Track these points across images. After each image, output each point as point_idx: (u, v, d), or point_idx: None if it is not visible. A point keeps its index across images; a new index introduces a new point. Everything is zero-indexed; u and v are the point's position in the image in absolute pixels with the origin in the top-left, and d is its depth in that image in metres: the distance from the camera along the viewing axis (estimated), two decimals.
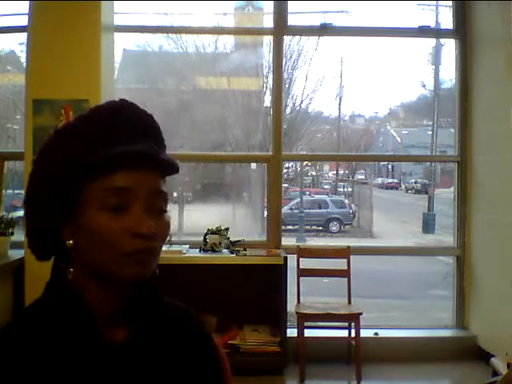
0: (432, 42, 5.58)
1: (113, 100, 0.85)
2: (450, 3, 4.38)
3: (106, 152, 0.78)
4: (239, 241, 3.97)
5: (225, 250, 3.88)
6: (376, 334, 4.07)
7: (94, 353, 0.78)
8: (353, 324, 3.70)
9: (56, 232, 0.82)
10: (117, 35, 4.10)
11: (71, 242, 0.81)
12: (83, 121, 0.83)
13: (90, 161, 0.78)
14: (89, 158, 0.78)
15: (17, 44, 4.71)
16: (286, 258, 3.68)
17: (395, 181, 12.03)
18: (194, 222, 5.45)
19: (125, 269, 0.78)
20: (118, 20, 4.13)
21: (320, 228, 9.60)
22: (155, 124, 0.87)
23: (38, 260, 0.87)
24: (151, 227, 0.78)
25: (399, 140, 10.46)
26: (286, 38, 4.52)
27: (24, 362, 0.75)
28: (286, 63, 4.68)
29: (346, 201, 10.31)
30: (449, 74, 6.09)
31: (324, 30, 4.33)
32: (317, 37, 4.88)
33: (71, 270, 0.82)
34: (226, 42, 5.09)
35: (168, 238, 0.85)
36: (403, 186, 11.93)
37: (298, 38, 4.98)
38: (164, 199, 0.83)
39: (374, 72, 6.86)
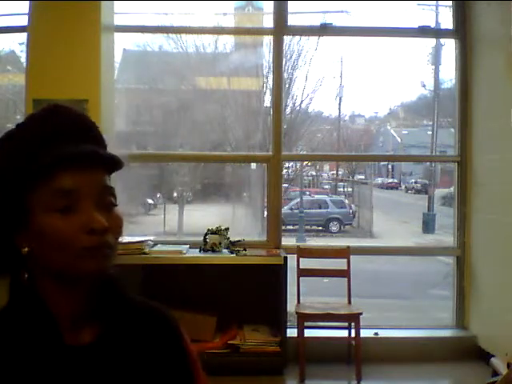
0: (432, 42, 5.58)
1: (46, 105, 0.88)
2: (450, 3, 4.38)
3: (44, 156, 0.79)
4: (239, 241, 3.97)
5: (225, 250, 3.88)
6: (376, 334, 4.07)
7: (54, 356, 0.78)
8: (353, 324, 3.70)
9: (9, 241, 0.82)
10: (117, 35, 4.10)
11: (26, 249, 0.81)
12: (19, 129, 0.85)
13: (30, 167, 0.79)
14: (28, 165, 0.79)
15: (17, 44, 4.71)
16: (286, 258, 3.68)
17: (395, 181, 12.02)
18: (193, 222, 5.46)
19: (83, 264, 0.79)
20: (118, 20, 4.13)
21: (320, 228, 9.59)
22: (91, 124, 0.89)
23: None
24: (103, 222, 0.79)
25: (399, 140, 10.45)
26: (286, 38, 4.52)
27: None
28: (286, 63, 4.68)
29: (346, 201, 10.30)
30: (449, 74, 6.09)
31: (324, 29, 4.33)
32: (317, 37, 4.88)
33: (26, 276, 0.83)
34: (226, 42, 5.09)
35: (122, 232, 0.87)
36: (403, 186, 11.92)
37: (298, 38, 4.98)
38: (112, 194, 0.84)
39: (374, 72, 6.86)
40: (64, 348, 0.79)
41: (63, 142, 0.82)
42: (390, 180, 12.00)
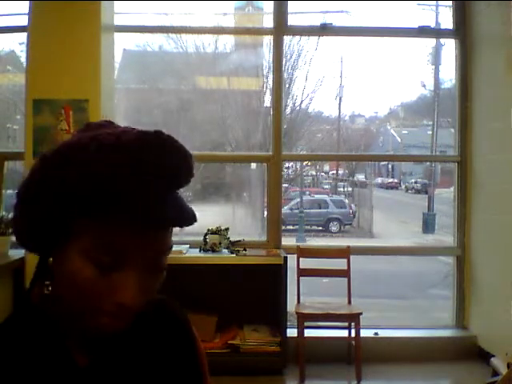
0: (432, 42, 5.57)
1: (147, 133, 0.69)
2: (450, 3, 4.39)
3: (112, 199, 0.65)
4: (239, 241, 3.97)
5: (225, 250, 3.88)
6: (376, 334, 4.07)
7: (67, 379, 0.73)
8: (353, 324, 3.70)
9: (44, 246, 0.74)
10: (117, 35, 4.11)
11: (51, 259, 0.73)
12: (95, 151, 0.67)
13: (89, 202, 0.66)
14: (89, 198, 0.66)
15: (17, 44, 4.71)
16: (286, 258, 3.68)
17: (395, 181, 12.02)
18: None
19: (95, 321, 0.70)
20: (118, 20, 4.14)
21: (320, 228, 9.60)
22: (188, 165, 0.75)
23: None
24: (135, 300, 0.69)
25: (399, 140, 10.45)
26: (286, 38, 4.52)
27: None
28: (285, 63, 4.68)
29: (346, 201, 10.30)
30: (449, 74, 6.09)
31: (324, 29, 4.34)
32: (317, 37, 4.88)
33: (49, 288, 0.74)
34: (226, 42, 5.09)
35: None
36: (403, 186, 11.92)
37: (298, 37, 4.98)
38: (167, 255, 0.73)
39: (373, 72, 6.85)
40: (76, 370, 0.74)
41: (141, 186, 0.66)
42: (390, 180, 12.00)
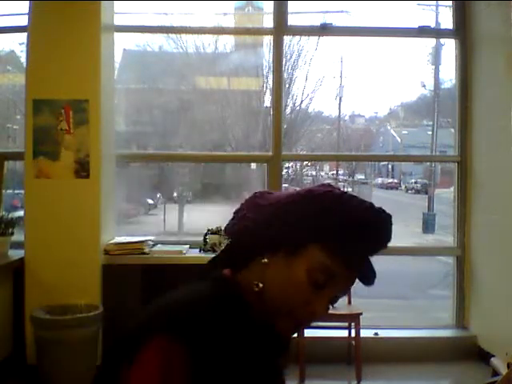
0: (432, 42, 5.57)
1: (384, 210, 0.97)
2: (450, 3, 4.39)
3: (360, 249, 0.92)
4: None
5: None
6: (376, 334, 4.07)
7: (278, 349, 0.97)
8: (353, 324, 3.70)
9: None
10: (117, 35, 4.11)
11: (266, 260, 0.89)
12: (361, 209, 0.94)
13: (339, 237, 0.88)
14: (341, 235, 0.88)
15: (17, 44, 4.71)
16: None
17: (395, 181, 12.00)
18: (194, 222, 5.46)
19: (282, 324, 0.89)
20: (118, 20, 4.14)
21: None
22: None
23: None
24: (323, 314, 0.90)
25: (399, 140, 10.44)
26: (286, 38, 4.52)
27: (218, 357, 0.81)
28: (285, 63, 4.67)
29: None
30: (449, 74, 6.08)
31: (324, 29, 4.33)
32: (317, 37, 4.88)
33: (260, 284, 0.89)
34: (226, 42, 5.09)
35: None
36: (403, 186, 11.90)
37: (298, 38, 4.98)
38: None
39: (373, 72, 6.84)
40: (281, 338, 0.93)
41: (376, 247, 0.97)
42: (390, 180, 11.99)
